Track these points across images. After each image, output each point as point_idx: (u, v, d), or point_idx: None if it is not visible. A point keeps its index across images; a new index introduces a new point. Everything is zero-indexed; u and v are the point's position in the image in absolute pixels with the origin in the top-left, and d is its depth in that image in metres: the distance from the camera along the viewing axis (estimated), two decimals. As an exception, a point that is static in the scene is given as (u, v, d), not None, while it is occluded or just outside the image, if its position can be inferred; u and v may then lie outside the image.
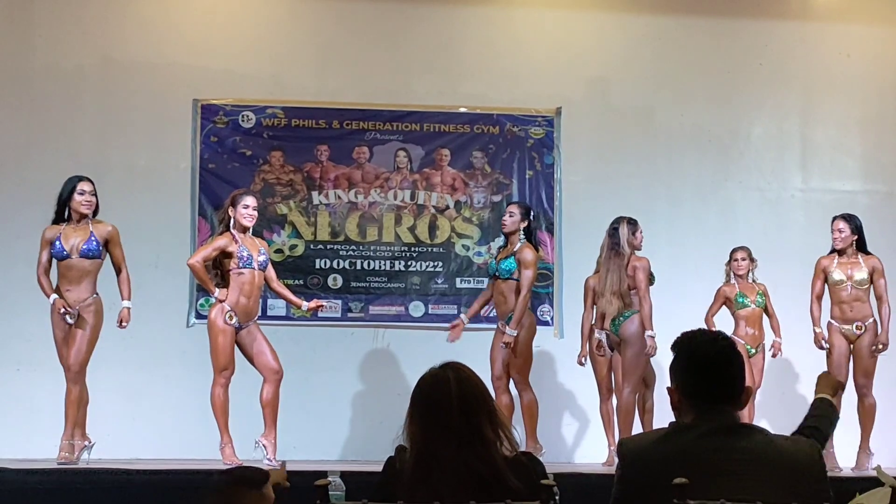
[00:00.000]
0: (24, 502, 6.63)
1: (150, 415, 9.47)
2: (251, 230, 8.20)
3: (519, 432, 8.26)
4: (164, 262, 9.74)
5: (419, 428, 3.34)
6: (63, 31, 10.03)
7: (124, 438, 9.12)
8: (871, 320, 8.67)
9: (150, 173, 9.95)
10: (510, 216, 8.63)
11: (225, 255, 8.01)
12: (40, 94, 9.95)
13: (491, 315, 9.80)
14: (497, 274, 8.59)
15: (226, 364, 7.96)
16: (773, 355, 9.25)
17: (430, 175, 10.25)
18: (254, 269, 8.03)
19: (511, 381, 8.59)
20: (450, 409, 3.31)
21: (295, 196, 10.09)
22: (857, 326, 8.65)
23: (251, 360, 8.08)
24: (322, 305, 8.63)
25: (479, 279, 10.09)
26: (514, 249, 8.53)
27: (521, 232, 8.56)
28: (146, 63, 10.08)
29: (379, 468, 3.42)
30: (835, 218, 8.83)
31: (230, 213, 8.06)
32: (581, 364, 9.03)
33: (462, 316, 9.03)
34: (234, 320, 7.97)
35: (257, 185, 9.98)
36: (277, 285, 8.38)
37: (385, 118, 10.23)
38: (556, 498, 3.15)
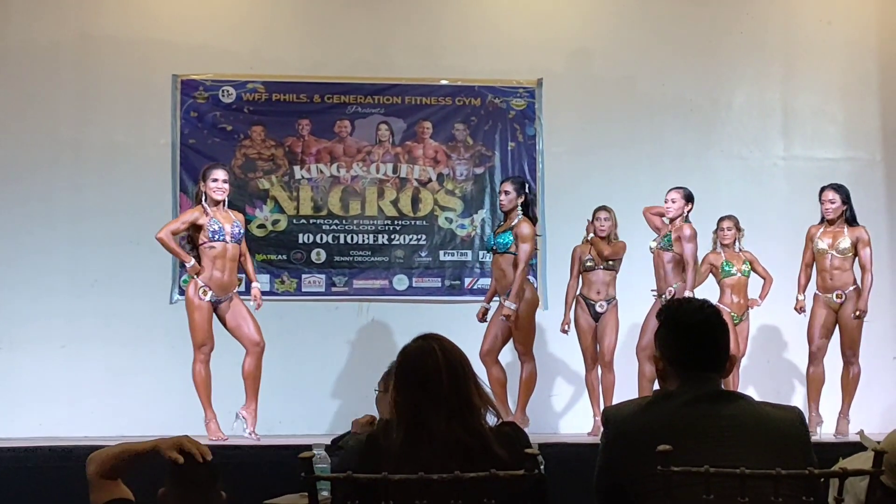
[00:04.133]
0: (6, 480, 6.63)
1: (135, 392, 9.43)
2: (226, 203, 8.17)
3: (510, 404, 8.35)
4: (146, 239, 9.62)
5: (407, 400, 3.33)
6: (39, 8, 9.93)
7: (109, 415, 9.12)
8: (851, 289, 8.65)
9: (129, 149, 9.90)
10: (506, 195, 8.53)
11: (196, 228, 7.99)
12: (16, 72, 9.87)
13: (475, 287, 9.82)
14: (495, 248, 8.58)
15: (203, 340, 7.97)
16: (750, 307, 9.26)
17: (412, 148, 10.22)
18: (226, 241, 7.99)
19: (501, 353, 8.66)
20: (439, 380, 3.31)
21: (277, 171, 10.05)
22: (836, 295, 8.65)
23: (232, 333, 8.08)
24: (258, 305, 8.37)
25: (463, 251, 10.09)
26: (512, 224, 8.50)
27: (520, 207, 8.52)
28: (124, 39, 10.00)
29: (364, 441, 3.41)
30: (824, 188, 8.76)
31: (202, 187, 8.06)
32: (564, 332, 9.03)
33: (483, 305, 8.93)
34: (210, 295, 7.95)
35: (238, 160, 9.94)
36: (244, 258, 8.29)
37: (366, 91, 10.19)
38: (542, 467, 3.15)
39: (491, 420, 3.39)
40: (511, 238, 8.44)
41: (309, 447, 4.16)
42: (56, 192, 9.76)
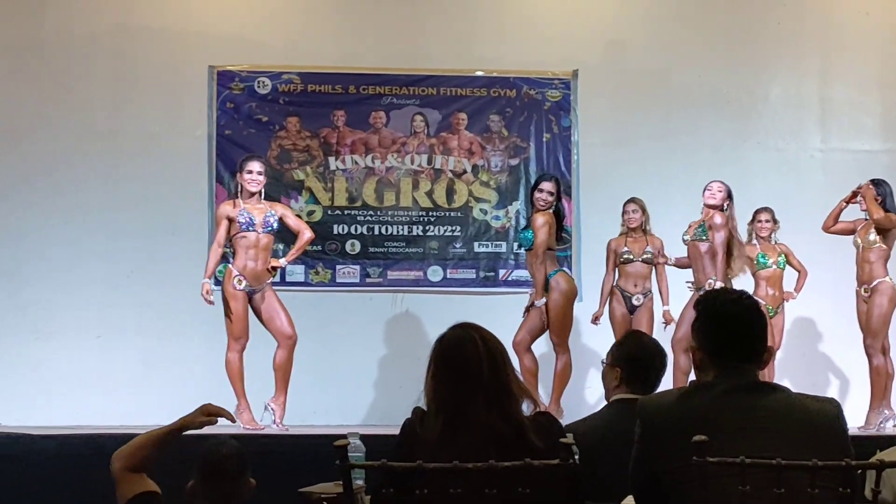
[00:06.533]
0: (44, 468, 6.67)
1: (169, 382, 9.46)
2: (263, 194, 8.20)
3: (543, 395, 8.34)
4: (182, 230, 9.75)
5: (447, 389, 3.31)
6: (75, -1, 10.00)
7: (143, 405, 9.14)
8: (876, 282, 8.56)
9: (166, 141, 9.94)
10: (551, 195, 8.42)
11: (229, 220, 8.08)
12: (53, 63, 9.93)
13: (510, 279, 9.83)
14: (521, 244, 8.57)
15: (240, 332, 8.01)
16: (786, 299, 9.22)
17: (447, 139, 10.21)
18: (257, 231, 8.04)
19: (536, 344, 8.64)
20: (480, 368, 3.30)
21: (312, 162, 10.07)
22: (864, 289, 8.61)
23: (265, 325, 8.11)
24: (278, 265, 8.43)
25: (497, 243, 10.08)
26: None
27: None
28: (160, 30, 10.04)
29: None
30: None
31: (238, 179, 8.13)
32: (594, 324, 9.00)
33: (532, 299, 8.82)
34: (244, 284, 7.99)
35: (274, 151, 9.96)
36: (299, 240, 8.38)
37: (401, 82, 10.18)
38: (576, 457, 3.14)
39: (526, 410, 3.38)
40: (531, 233, 8.38)
41: (344, 437, 4.17)
42: (92, 182, 9.82)
